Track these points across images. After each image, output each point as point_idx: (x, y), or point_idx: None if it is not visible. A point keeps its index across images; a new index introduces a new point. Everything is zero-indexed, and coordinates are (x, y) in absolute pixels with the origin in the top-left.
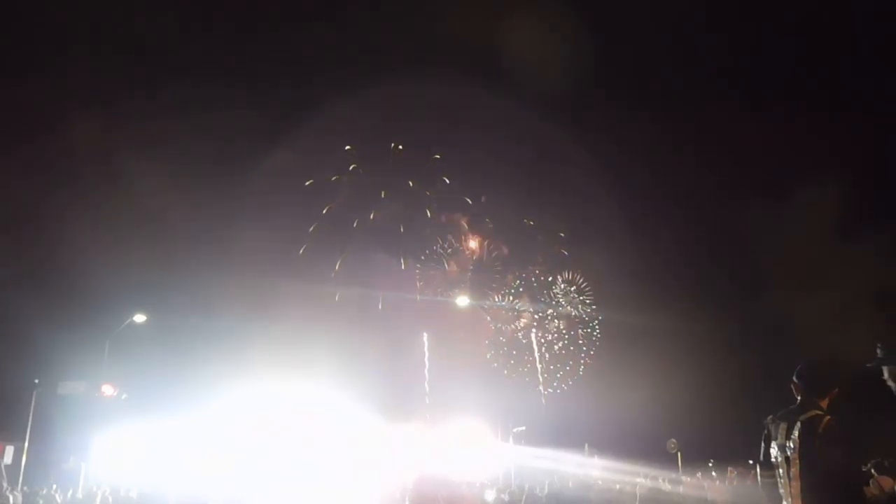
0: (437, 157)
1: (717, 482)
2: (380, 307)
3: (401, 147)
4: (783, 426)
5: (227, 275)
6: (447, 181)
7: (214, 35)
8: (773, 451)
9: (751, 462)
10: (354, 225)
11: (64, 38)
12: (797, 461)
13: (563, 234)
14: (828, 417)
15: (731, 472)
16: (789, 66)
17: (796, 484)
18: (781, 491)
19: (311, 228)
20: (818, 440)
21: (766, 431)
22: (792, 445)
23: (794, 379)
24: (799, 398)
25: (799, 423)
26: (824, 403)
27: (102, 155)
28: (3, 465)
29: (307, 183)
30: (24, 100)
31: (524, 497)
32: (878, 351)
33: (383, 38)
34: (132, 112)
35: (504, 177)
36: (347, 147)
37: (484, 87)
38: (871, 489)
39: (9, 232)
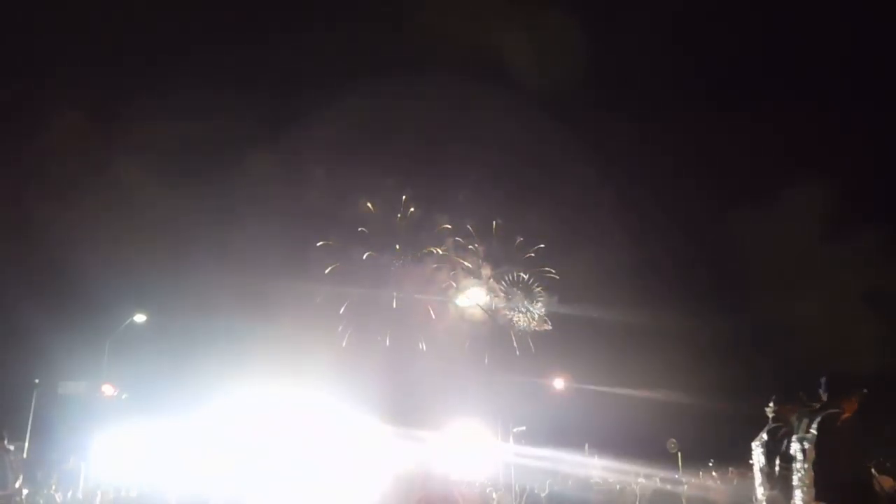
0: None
1: (719, 482)
2: (394, 305)
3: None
4: (805, 421)
5: (226, 275)
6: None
7: (215, 39)
8: (795, 444)
9: (750, 462)
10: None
11: (64, 39)
12: (813, 452)
13: (542, 245)
14: (844, 417)
15: (732, 472)
16: (782, 67)
17: (810, 474)
18: (796, 480)
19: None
20: (832, 436)
21: (771, 424)
22: (810, 437)
23: (816, 386)
24: (818, 403)
25: (818, 420)
26: (845, 406)
27: (102, 156)
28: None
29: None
30: (22, 101)
31: (524, 497)
32: None
33: (380, 38)
34: (133, 114)
35: (488, 177)
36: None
37: (474, 87)
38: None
39: (9, 232)
